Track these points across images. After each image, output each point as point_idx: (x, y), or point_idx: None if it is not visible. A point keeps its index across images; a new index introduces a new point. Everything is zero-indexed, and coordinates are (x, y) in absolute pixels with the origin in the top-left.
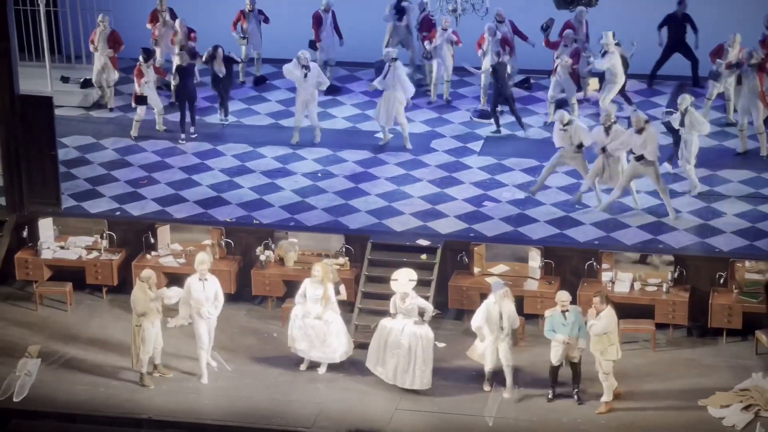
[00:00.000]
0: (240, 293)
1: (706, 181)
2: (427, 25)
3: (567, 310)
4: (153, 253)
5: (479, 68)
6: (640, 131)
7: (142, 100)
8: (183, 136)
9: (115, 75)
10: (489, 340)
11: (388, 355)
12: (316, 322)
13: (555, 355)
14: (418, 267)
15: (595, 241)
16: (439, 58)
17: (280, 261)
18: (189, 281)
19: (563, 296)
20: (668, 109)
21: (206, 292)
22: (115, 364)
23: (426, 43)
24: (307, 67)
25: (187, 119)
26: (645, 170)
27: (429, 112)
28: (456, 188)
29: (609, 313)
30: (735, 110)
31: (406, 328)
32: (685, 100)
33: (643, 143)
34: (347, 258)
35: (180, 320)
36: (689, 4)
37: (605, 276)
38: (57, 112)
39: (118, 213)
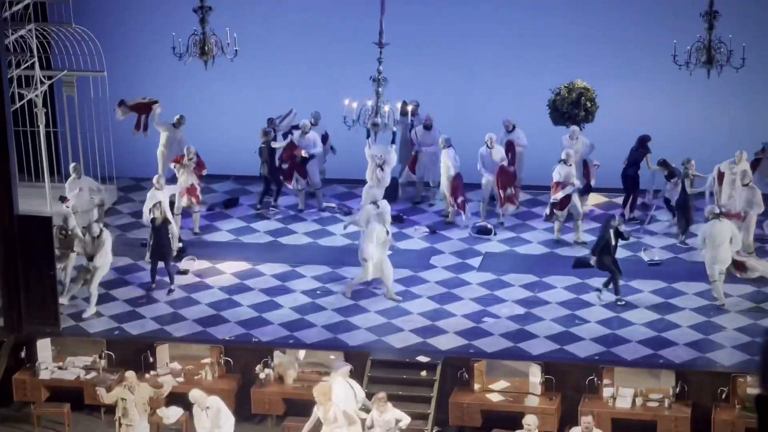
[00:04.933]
0: (239, 412)
1: (706, 295)
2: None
3: None
4: (152, 372)
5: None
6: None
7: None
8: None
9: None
10: None
11: None
12: None
13: None
14: (418, 384)
15: (596, 356)
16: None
17: (280, 379)
18: (194, 413)
19: (528, 420)
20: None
21: (210, 419)
22: None
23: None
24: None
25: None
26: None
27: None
28: (455, 304)
29: None
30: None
31: None
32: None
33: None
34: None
35: None
36: None
37: (606, 391)
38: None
39: (116, 332)
